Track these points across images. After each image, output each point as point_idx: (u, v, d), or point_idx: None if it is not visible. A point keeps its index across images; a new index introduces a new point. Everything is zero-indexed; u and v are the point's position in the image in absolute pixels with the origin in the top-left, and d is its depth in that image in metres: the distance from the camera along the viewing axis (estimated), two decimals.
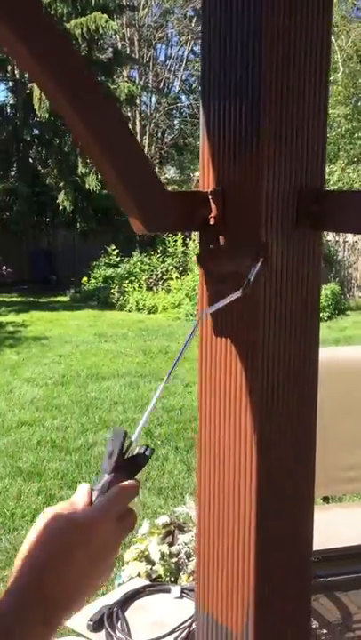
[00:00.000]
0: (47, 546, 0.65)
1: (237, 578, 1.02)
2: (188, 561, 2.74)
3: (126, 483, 0.72)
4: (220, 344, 1.00)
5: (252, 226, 0.93)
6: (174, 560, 2.76)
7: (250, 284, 0.88)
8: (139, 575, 2.73)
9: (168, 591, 2.53)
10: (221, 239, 0.98)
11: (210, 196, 0.97)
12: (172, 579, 2.72)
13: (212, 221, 0.97)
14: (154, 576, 2.73)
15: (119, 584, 2.76)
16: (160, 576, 2.73)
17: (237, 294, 0.88)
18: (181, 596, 2.49)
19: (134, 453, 0.75)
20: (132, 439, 0.75)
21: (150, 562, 2.78)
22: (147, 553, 2.81)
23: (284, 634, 1.07)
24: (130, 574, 2.74)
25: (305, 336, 0.99)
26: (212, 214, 0.97)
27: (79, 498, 0.71)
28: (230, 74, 0.95)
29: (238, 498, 1.00)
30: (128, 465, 0.74)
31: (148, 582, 2.66)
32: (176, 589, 2.52)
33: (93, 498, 0.71)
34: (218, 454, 1.02)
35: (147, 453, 0.75)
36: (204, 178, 1.01)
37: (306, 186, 0.95)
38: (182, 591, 2.51)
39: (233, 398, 0.99)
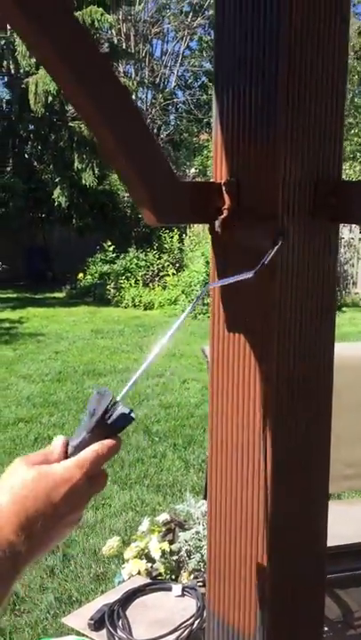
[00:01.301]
0: (14, 491, 0.65)
1: (249, 579, 1.00)
2: (189, 559, 2.72)
3: (106, 442, 0.70)
4: (234, 339, 0.98)
5: (268, 218, 0.91)
6: (175, 558, 2.74)
7: (263, 266, 0.85)
8: (139, 573, 2.71)
9: (169, 589, 2.51)
10: (235, 231, 0.95)
11: (223, 188, 0.95)
12: (173, 577, 2.70)
13: (225, 213, 0.95)
14: (154, 574, 2.71)
15: (119, 582, 2.74)
16: (161, 574, 2.71)
17: (249, 274, 0.85)
18: (182, 595, 2.47)
19: (116, 413, 0.72)
20: (117, 399, 0.72)
21: (151, 560, 2.76)
22: (147, 551, 2.79)
23: (296, 636, 1.05)
24: (130, 572, 2.72)
25: (322, 330, 0.97)
26: (226, 206, 0.95)
27: (53, 450, 0.70)
28: (246, 62, 0.92)
29: (251, 498, 0.98)
30: (108, 426, 0.71)
31: (148, 580, 2.64)
32: (177, 587, 2.50)
33: (68, 452, 0.70)
34: (230, 452, 1.00)
35: (131, 415, 0.72)
36: (217, 169, 0.98)
37: (323, 177, 0.93)
38: (183, 589, 2.49)
39: (246, 394, 0.96)
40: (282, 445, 0.95)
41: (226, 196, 0.95)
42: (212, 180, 0.98)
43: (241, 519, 1.00)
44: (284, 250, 0.91)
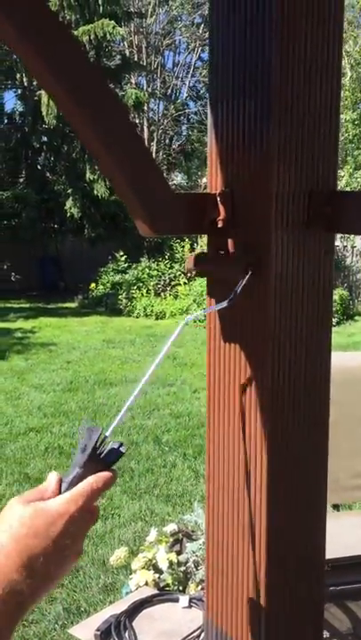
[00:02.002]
0: (13, 530, 0.65)
1: (248, 589, 0.99)
2: (197, 570, 2.71)
3: (100, 475, 0.71)
4: (229, 349, 0.98)
5: (262, 228, 0.91)
6: (182, 569, 2.73)
7: (236, 297, 0.88)
8: (146, 584, 2.70)
9: (176, 600, 2.49)
10: (230, 242, 0.96)
11: (218, 199, 0.95)
12: (181, 588, 2.69)
13: (220, 224, 0.95)
14: (162, 585, 2.70)
15: (127, 593, 2.73)
16: (168, 585, 2.70)
17: (223, 305, 0.88)
18: (190, 606, 2.46)
19: (107, 449, 0.73)
20: (106, 435, 0.73)
21: (158, 570, 2.75)
22: (154, 561, 2.78)
23: None
24: (137, 583, 2.71)
25: (317, 340, 0.97)
26: (221, 217, 0.95)
27: (47, 486, 0.71)
28: (239, 75, 0.93)
29: (248, 507, 0.97)
30: (100, 461, 0.73)
31: (156, 591, 2.63)
32: (184, 599, 2.48)
33: (62, 489, 0.71)
34: (227, 463, 1.00)
35: (121, 449, 0.74)
36: (212, 180, 0.98)
37: (318, 187, 0.93)
38: (191, 600, 2.47)
39: (242, 405, 0.96)
40: (279, 456, 0.95)
41: (221, 207, 0.95)
42: (206, 191, 0.98)
43: (238, 530, 0.99)
44: (278, 259, 0.92)
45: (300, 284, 0.94)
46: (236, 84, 0.93)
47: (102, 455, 0.73)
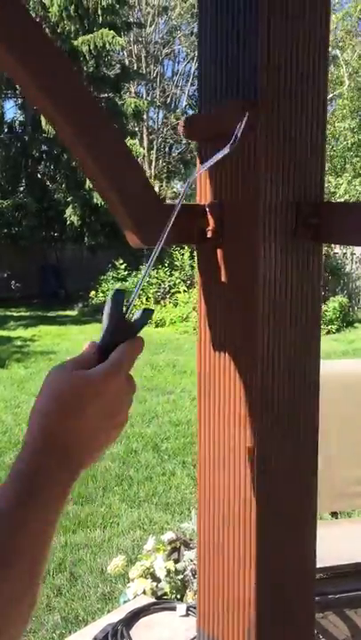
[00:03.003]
0: (59, 398, 0.64)
1: (238, 597, 1.00)
2: (194, 578, 2.70)
3: (133, 341, 0.71)
4: (219, 358, 0.99)
5: (250, 238, 0.92)
6: (180, 577, 2.72)
7: (237, 141, 0.83)
8: (144, 592, 2.69)
9: (174, 609, 2.49)
10: (219, 252, 0.97)
11: (207, 209, 0.97)
12: (178, 596, 2.68)
13: (209, 234, 0.96)
14: (160, 593, 2.69)
15: (124, 601, 2.73)
16: (166, 593, 2.69)
17: (225, 151, 0.82)
18: (187, 614, 2.45)
19: (137, 313, 0.73)
20: (130, 300, 0.73)
21: (156, 579, 2.74)
22: (152, 570, 2.78)
23: None
24: (135, 591, 2.70)
25: (306, 348, 0.98)
26: (210, 227, 0.96)
27: (87, 355, 0.70)
28: (227, 87, 0.94)
29: (238, 515, 0.98)
30: (129, 325, 0.72)
31: (153, 600, 2.62)
32: (182, 607, 2.48)
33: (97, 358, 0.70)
34: (217, 472, 1.01)
35: (147, 313, 0.73)
36: (201, 191, 1.00)
37: (305, 198, 0.94)
38: (188, 609, 2.47)
39: (232, 414, 0.97)
40: (268, 466, 0.96)
41: (210, 218, 0.96)
42: (196, 202, 0.99)
43: (229, 540, 1.00)
44: (267, 269, 0.93)
45: (288, 294, 0.95)
46: (224, 95, 0.95)
47: (133, 319, 0.72)
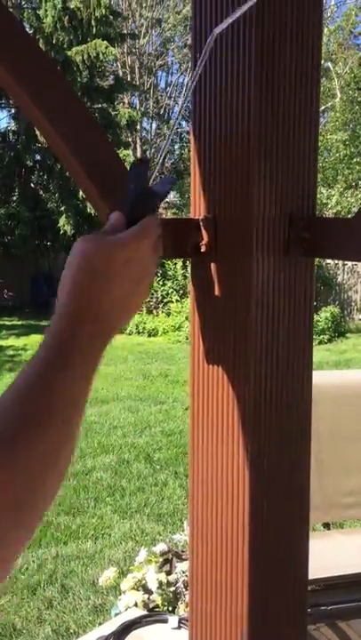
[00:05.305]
0: (89, 264, 0.64)
1: (231, 608, 1.00)
2: (186, 590, 2.69)
3: (156, 214, 0.71)
4: (212, 372, 0.99)
5: (243, 252, 0.93)
6: (172, 589, 2.71)
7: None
8: (136, 605, 2.68)
9: (165, 621, 2.48)
10: (213, 266, 0.98)
11: (201, 223, 0.98)
12: (170, 608, 2.67)
13: (203, 248, 0.97)
14: (151, 606, 2.68)
15: (116, 614, 2.71)
16: (158, 605, 2.68)
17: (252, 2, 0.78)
18: (179, 627, 2.44)
19: (156, 183, 0.72)
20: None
21: (148, 591, 2.73)
22: (144, 582, 2.76)
23: None
24: (127, 604, 2.69)
25: (298, 361, 0.99)
26: (204, 241, 0.97)
27: (115, 223, 0.69)
28: (221, 102, 0.95)
29: (231, 526, 0.98)
30: (151, 195, 0.71)
31: (145, 612, 2.61)
32: (174, 619, 2.46)
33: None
34: (210, 483, 1.01)
35: (168, 181, 0.73)
36: (195, 205, 1.01)
37: (297, 213, 0.95)
38: (180, 621, 2.46)
39: (225, 426, 0.98)
40: (260, 476, 0.96)
41: (204, 232, 0.97)
42: (190, 217, 1.00)
43: (221, 552, 1.00)
44: (259, 282, 0.94)
45: (280, 306, 0.96)
46: (219, 110, 0.96)
47: (155, 187, 0.71)
